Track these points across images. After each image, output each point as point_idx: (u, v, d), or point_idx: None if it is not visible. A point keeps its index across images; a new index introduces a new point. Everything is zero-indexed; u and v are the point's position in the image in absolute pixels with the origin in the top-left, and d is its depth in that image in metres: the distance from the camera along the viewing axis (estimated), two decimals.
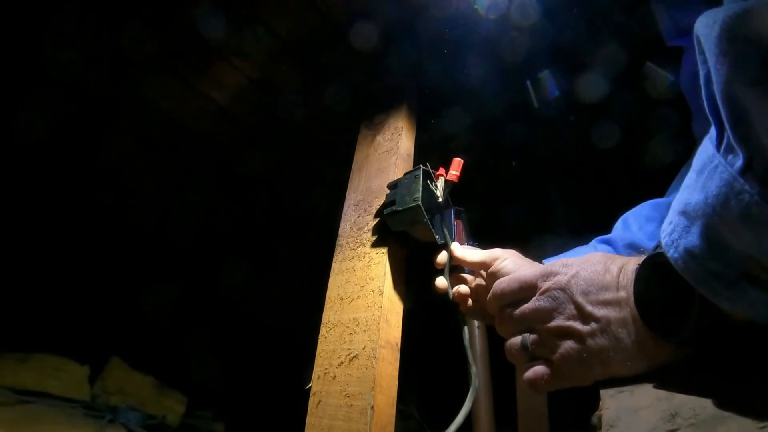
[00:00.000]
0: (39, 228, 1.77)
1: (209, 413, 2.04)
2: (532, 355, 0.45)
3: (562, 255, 0.65)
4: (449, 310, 0.74)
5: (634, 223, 0.62)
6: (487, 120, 1.42)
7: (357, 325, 0.73)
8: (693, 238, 0.32)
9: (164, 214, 1.93)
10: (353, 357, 0.70)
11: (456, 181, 0.77)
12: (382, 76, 1.18)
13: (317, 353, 0.76)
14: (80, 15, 1.19)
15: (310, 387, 0.73)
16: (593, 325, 0.40)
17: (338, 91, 1.36)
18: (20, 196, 1.69)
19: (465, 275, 0.75)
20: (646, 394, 0.37)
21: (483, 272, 0.70)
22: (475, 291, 0.74)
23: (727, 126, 0.29)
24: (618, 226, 0.64)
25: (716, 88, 0.28)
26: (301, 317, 1.79)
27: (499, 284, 0.50)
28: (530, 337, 0.45)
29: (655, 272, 0.37)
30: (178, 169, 1.72)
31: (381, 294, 0.73)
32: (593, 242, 0.65)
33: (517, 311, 0.46)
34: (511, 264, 0.67)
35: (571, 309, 0.42)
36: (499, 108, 1.37)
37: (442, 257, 0.74)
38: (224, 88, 1.39)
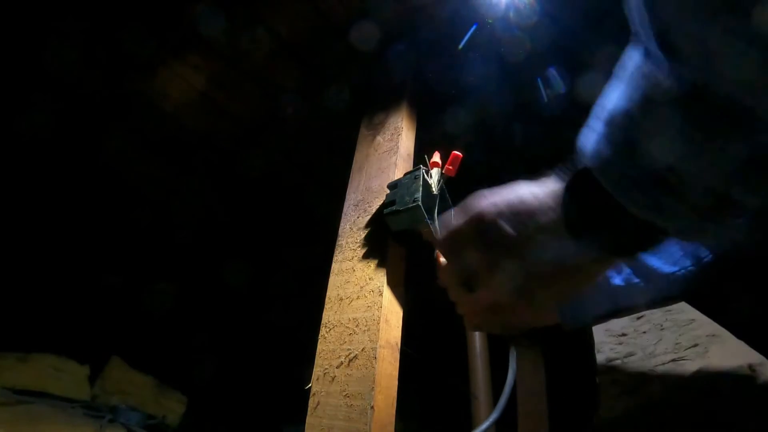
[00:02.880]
0: (39, 227, 1.77)
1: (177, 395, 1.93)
2: (469, 288, 0.45)
3: None
4: (448, 310, 0.74)
5: None
6: (487, 119, 1.42)
7: (357, 326, 0.73)
8: (611, 144, 0.32)
9: (164, 214, 1.93)
10: (353, 357, 0.70)
11: (452, 175, 0.77)
12: (382, 76, 1.18)
13: (317, 354, 0.76)
14: (81, 15, 1.19)
15: (310, 387, 0.72)
16: (517, 238, 0.40)
17: (338, 91, 1.35)
18: (20, 195, 1.69)
19: None
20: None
21: None
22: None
23: (654, 37, 0.29)
24: None
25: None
26: (301, 316, 1.79)
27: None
28: (466, 271, 0.45)
29: (578, 179, 0.37)
30: (177, 169, 1.72)
31: (381, 294, 0.73)
32: None
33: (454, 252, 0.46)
34: None
35: (494, 229, 0.41)
36: (499, 107, 1.37)
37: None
38: (224, 87, 1.39)
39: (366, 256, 0.81)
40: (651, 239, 0.34)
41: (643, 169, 0.31)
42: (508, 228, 0.40)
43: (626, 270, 0.58)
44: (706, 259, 0.55)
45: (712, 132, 0.28)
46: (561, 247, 0.37)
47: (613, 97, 0.33)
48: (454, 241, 0.44)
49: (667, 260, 0.56)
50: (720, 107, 0.27)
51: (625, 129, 0.31)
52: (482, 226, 0.42)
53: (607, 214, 0.33)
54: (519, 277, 0.40)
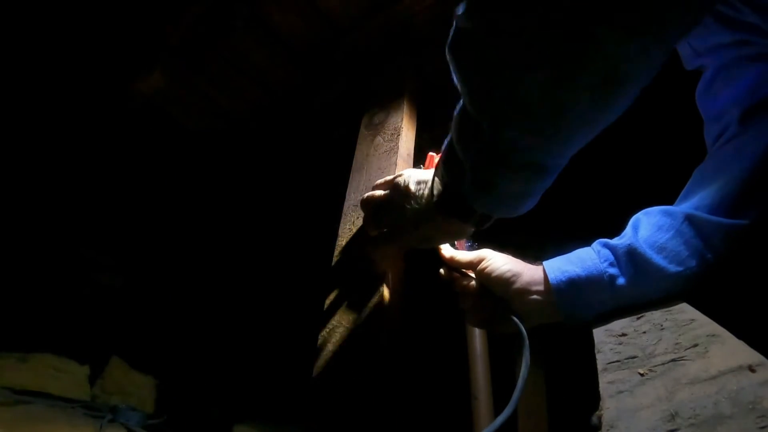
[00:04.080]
0: (38, 227, 1.77)
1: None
2: (379, 226, 0.72)
3: (562, 256, 0.65)
4: (448, 309, 0.74)
5: (644, 229, 0.60)
6: None
7: (357, 326, 0.73)
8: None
9: (163, 213, 1.94)
10: (352, 358, 0.70)
11: None
12: (382, 75, 1.18)
13: (317, 354, 0.76)
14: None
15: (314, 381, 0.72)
16: (409, 199, 0.65)
17: (338, 91, 1.35)
18: (20, 194, 1.69)
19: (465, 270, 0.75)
20: (645, 394, 0.37)
21: (472, 272, 0.70)
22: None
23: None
24: (628, 230, 0.62)
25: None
26: (301, 316, 1.79)
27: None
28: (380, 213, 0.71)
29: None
30: (176, 169, 1.72)
31: (381, 294, 0.73)
32: (595, 244, 0.64)
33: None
34: (499, 260, 0.67)
35: (402, 190, 0.67)
36: None
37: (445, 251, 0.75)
38: (223, 87, 1.39)
39: (366, 257, 0.81)
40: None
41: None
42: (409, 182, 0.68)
43: (630, 270, 0.57)
44: (709, 260, 0.55)
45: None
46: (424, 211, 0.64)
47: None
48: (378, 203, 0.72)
49: (672, 260, 0.56)
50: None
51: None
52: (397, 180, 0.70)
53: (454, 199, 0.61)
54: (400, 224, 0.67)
